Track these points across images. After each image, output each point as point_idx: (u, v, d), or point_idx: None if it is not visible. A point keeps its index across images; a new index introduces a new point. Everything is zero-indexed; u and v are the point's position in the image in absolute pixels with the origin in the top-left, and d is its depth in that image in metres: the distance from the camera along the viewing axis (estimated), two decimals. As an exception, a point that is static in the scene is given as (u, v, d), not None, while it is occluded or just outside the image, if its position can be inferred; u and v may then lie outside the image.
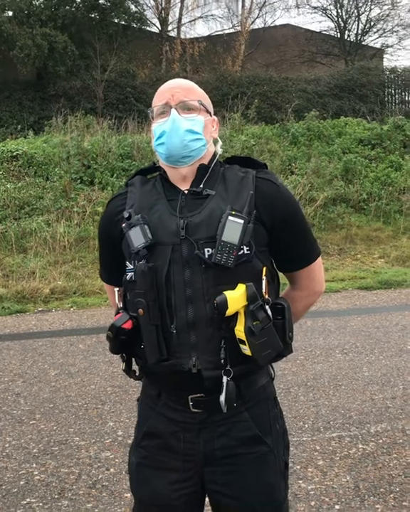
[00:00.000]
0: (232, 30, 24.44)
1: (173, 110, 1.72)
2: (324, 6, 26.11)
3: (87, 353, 5.68)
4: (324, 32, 26.12)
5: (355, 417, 4.16)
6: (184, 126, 1.71)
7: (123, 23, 18.67)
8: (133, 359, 1.81)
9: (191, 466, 1.74)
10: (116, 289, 1.81)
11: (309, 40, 24.34)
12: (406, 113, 15.78)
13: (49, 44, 15.95)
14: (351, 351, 5.56)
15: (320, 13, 26.25)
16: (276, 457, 1.78)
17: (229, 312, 1.61)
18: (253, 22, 25.06)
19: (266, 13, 30.35)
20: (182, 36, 23.16)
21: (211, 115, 1.81)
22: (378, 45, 26.65)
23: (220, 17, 35.83)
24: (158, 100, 1.77)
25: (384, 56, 26.82)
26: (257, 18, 26.62)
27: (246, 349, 1.62)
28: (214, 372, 1.65)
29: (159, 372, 1.70)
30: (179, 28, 23.51)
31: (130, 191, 1.81)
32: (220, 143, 1.83)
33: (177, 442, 1.74)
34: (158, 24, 22.13)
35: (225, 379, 1.65)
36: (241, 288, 1.62)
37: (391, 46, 27.27)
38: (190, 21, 25.15)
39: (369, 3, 24.46)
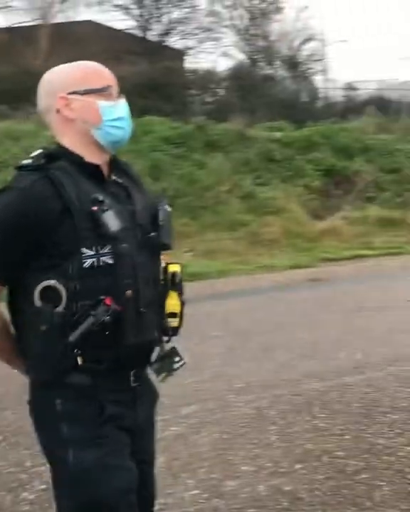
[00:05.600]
0: (33, 23, 23.79)
1: (123, 97, 1.77)
2: (126, 4, 26.19)
3: None
4: (127, 31, 26.40)
5: (167, 402, 4.36)
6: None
7: None
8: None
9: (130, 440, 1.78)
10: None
11: (112, 37, 24.44)
12: (208, 114, 16.52)
13: None
14: (163, 341, 5.81)
15: (122, 11, 26.38)
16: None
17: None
18: (54, 16, 24.60)
19: (68, 7, 29.86)
20: (-22, 26, 22.09)
21: None
22: (179, 47, 27.53)
23: (20, 9, 34.58)
24: (98, 78, 1.73)
25: (186, 58, 27.80)
26: (59, 12, 26.10)
27: (175, 321, 1.80)
28: (158, 345, 1.82)
29: (126, 353, 1.70)
30: (-25, 17, 22.45)
31: (56, 175, 1.65)
32: None
33: (125, 422, 1.75)
34: None
35: (157, 350, 1.82)
36: (177, 266, 1.85)
37: (192, 48, 28.25)
38: (-13, 11, 24.05)
39: (170, 5, 25.19)
